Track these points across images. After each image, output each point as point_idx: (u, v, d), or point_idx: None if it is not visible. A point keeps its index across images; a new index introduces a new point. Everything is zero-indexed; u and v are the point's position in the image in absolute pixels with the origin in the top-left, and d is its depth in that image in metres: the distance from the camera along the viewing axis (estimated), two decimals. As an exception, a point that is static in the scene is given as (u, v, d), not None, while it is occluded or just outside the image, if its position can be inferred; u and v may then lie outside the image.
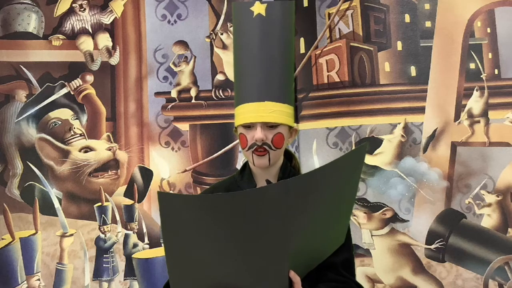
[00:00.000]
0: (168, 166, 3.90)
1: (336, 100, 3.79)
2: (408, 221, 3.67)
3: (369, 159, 3.66)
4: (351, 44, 3.81)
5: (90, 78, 3.92)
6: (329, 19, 3.85)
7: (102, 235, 3.83)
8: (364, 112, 3.74)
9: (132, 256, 3.79)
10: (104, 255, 3.82)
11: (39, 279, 3.76)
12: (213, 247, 1.42)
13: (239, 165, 3.57)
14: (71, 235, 3.81)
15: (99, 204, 3.85)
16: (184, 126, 3.94)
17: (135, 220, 3.86)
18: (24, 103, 3.88)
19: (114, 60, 3.95)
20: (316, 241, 1.58)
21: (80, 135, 3.90)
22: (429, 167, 3.67)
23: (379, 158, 3.71)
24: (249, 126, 1.75)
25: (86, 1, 3.96)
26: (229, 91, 3.87)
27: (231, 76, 3.78)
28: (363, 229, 3.68)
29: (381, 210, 3.67)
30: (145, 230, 3.85)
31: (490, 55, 3.70)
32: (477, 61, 3.69)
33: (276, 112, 1.74)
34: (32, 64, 3.91)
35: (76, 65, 3.94)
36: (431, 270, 3.65)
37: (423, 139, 3.69)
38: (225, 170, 3.83)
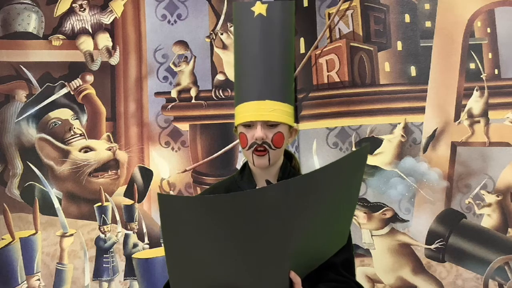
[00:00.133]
0: (168, 166, 3.90)
1: (336, 100, 3.79)
2: (408, 221, 3.67)
3: (369, 159, 3.65)
4: (351, 44, 3.81)
5: (90, 78, 3.92)
6: (329, 19, 3.85)
7: (102, 235, 3.83)
8: (364, 112, 3.74)
9: (132, 256, 3.79)
10: (104, 255, 3.82)
11: (39, 279, 3.76)
12: (213, 247, 1.42)
13: (239, 165, 3.57)
14: (71, 235, 3.81)
15: (99, 204, 3.85)
16: (184, 126, 3.94)
17: (135, 220, 3.86)
18: (24, 103, 3.88)
19: (114, 60, 3.95)
20: (317, 241, 1.58)
21: (80, 135, 3.90)
22: (429, 167, 3.67)
23: (379, 158, 3.71)
24: (249, 125, 1.75)
25: (86, 1, 3.96)
26: (229, 91, 3.87)
27: (231, 76, 3.78)
28: (363, 229, 3.68)
29: (381, 210, 3.67)
30: (145, 230, 3.85)
31: (490, 55, 3.70)
32: (477, 61, 3.69)
33: (277, 111, 1.74)
34: (32, 64, 3.91)
35: (76, 65, 3.94)
36: (431, 270, 3.65)
37: (423, 139, 3.69)
38: (225, 170, 3.83)
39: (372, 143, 3.70)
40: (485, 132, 3.64)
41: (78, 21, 3.96)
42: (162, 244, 3.41)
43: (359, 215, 3.66)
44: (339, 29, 3.85)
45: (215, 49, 3.93)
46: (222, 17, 3.92)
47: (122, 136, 3.92)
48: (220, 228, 1.39)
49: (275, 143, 1.74)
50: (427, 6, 3.77)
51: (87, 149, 3.88)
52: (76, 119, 3.92)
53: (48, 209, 3.80)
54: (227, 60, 3.88)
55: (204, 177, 3.90)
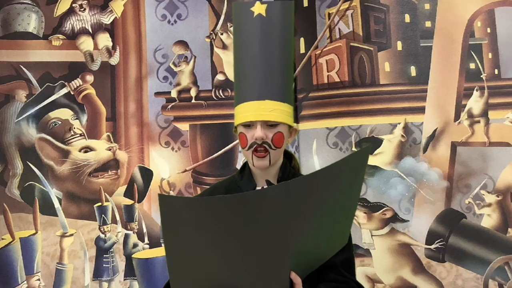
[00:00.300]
0: (168, 166, 3.90)
1: (336, 100, 3.79)
2: (408, 221, 3.67)
3: (369, 159, 3.65)
4: (351, 44, 3.81)
5: (90, 78, 3.92)
6: (329, 19, 3.85)
7: (102, 235, 3.83)
8: (364, 112, 3.74)
9: (132, 256, 3.79)
10: (104, 255, 3.82)
11: (39, 279, 3.76)
12: (214, 248, 1.42)
13: (239, 165, 3.57)
14: (71, 235, 3.81)
15: (99, 204, 3.85)
16: (184, 126, 3.94)
17: (135, 220, 3.86)
18: (24, 103, 3.88)
19: (114, 60, 3.95)
20: (318, 242, 1.58)
21: (80, 135, 3.90)
22: (429, 167, 3.67)
23: (379, 158, 3.71)
24: (249, 125, 1.75)
25: (86, 1, 3.96)
26: (229, 91, 3.87)
27: (231, 76, 3.78)
28: (363, 229, 3.68)
29: (381, 210, 3.67)
30: (145, 230, 3.85)
31: (490, 55, 3.70)
32: (477, 61, 3.69)
33: (276, 111, 1.74)
34: (32, 64, 3.91)
35: (76, 65, 3.94)
36: (431, 270, 3.65)
37: (423, 139, 3.69)
38: (225, 170, 3.83)
39: (372, 143, 3.70)
40: (485, 132, 3.64)
41: (78, 21, 3.96)
42: (162, 244, 3.39)
43: (359, 215, 3.66)
44: (339, 29, 3.85)
45: (215, 49, 3.93)
46: (222, 17, 3.92)
47: (122, 136, 3.92)
48: (220, 229, 1.39)
49: (275, 143, 1.74)
50: (427, 6, 3.77)
51: (87, 149, 3.88)
52: (76, 119, 3.92)
53: (48, 209, 3.80)
54: (227, 60, 3.88)
55: (204, 177, 3.90)
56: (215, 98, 3.91)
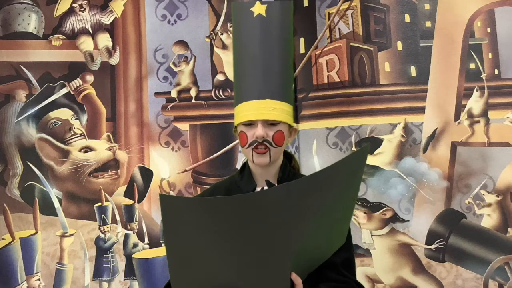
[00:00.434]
0: (168, 166, 3.90)
1: (336, 100, 3.79)
2: (408, 221, 3.67)
3: (369, 159, 3.65)
4: (351, 44, 3.81)
5: (90, 78, 3.92)
6: (329, 19, 3.85)
7: (102, 235, 3.83)
8: (364, 112, 3.74)
9: (132, 256, 3.79)
10: (104, 255, 3.82)
11: (39, 279, 3.76)
12: (215, 248, 1.42)
13: (239, 165, 3.57)
14: (71, 235, 3.81)
15: (99, 204, 3.85)
16: (184, 126, 3.94)
17: (135, 220, 3.86)
18: (24, 103, 3.88)
19: (114, 60, 3.95)
20: (318, 242, 1.58)
21: (80, 135, 3.90)
22: (429, 167, 3.67)
23: (379, 158, 3.71)
24: (249, 124, 1.75)
25: (86, 1, 3.96)
26: (229, 91, 3.87)
27: (231, 76, 3.77)
28: (363, 229, 3.68)
29: (381, 210, 3.67)
30: (145, 230, 3.85)
31: (490, 55, 3.70)
32: (477, 61, 3.69)
33: (277, 110, 1.75)
34: (32, 64, 3.91)
35: (76, 65, 3.94)
36: (431, 270, 3.65)
37: (423, 139, 3.69)
38: (225, 170, 3.83)
39: (372, 143, 3.70)
40: (485, 132, 3.64)
41: (78, 21, 3.96)
42: (162, 244, 3.39)
43: (359, 215, 3.66)
44: (339, 29, 3.85)
45: (215, 49, 3.93)
46: (222, 17, 3.93)
47: (122, 136, 3.92)
48: (221, 229, 1.39)
49: (276, 141, 1.75)
50: (427, 6, 3.77)
51: (87, 149, 3.88)
52: (76, 119, 3.92)
53: (48, 209, 3.80)
54: (227, 60, 3.88)
55: (204, 177, 3.90)
56: (215, 98, 3.91)
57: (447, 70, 3.71)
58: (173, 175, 3.89)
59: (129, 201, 3.87)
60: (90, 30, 3.97)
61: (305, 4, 3.89)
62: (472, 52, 3.69)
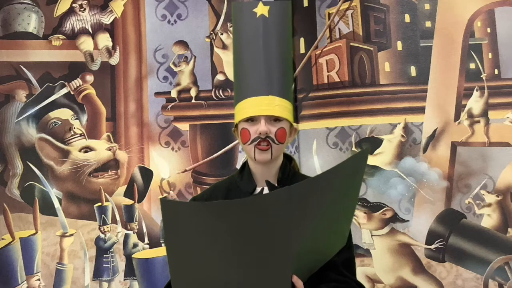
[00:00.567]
0: (168, 166, 3.90)
1: (336, 100, 3.79)
2: (408, 221, 3.67)
3: (369, 159, 3.65)
4: (351, 44, 3.81)
5: (90, 78, 3.92)
6: (329, 19, 3.85)
7: (102, 235, 3.83)
8: (364, 112, 3.74)
9: (132, 256, 3.79)
10: (104, 255, 3.82)
11: (39, 279, 3.76)
12: (216, 252, 1.42)
13: (239, 165, 3.57)
14: (71, 235, 3.81)
15: (99, 204, 3.85)
16: (184, 126, 3.94)
17: (135, 220, 3.86)
18: (24, 103, 3.88)
19: (114, 60, 3.95)
20: (319, 244, 1.58)
21: (80, 135, 3.90)
22: (429, 167, 3.67)
23: (379, 158, 3.71)
24: (252, 120, 1.75)
25: (86, 1, 3.96)
26: (229, 91, 3.87)
27: (231, 76, 3.77)
28: (363, 229, 3.68)
29: (381, 210, 3.67)
30: (145, 230, 3.85)
31: (490, 55, 3.70)
32: (477, 61, 3.69)
33: (280, 106, 1.75)
34: (32, 64, 3.91)
35: (76, 65, 3.94)
36: (431, 270, 3.65)
37: (423, 139, 3.69)
38: (225, 170, 3.83)
39: (372, 143, 3.70)
40: (485, 132, 3.64)
41: (78, 21, 3.96)
42: (163, 244, 3.39)
43: (359, 215, 3.66)
44: (339, 29, 3.85)
45: (215, 49, 3.93)
46: (222, 17, 3.93)
47: (122, 136, 3.92)
48: (222, 233, 1.39)
49: (279, 137, 1.75)
50: (427, 6, 3.77)
51: (87, 149, 3.88)
52: (76, 119, 3.92)
53: (48, 209, 3.80)
54: (227, 60, 3.88)
55: (204, 177, 3.90)
56: (215, 98, 3.91)
57: (447, 70, 3.71)
58: (173, 175, 3.89)
59: (129, 201, 3.87)
60: (90, 30, 3.97)
61: (305, 4, 3.89)
62: (472, 52, 3.69)
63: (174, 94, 3.92)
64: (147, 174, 3.89)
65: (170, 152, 3.92)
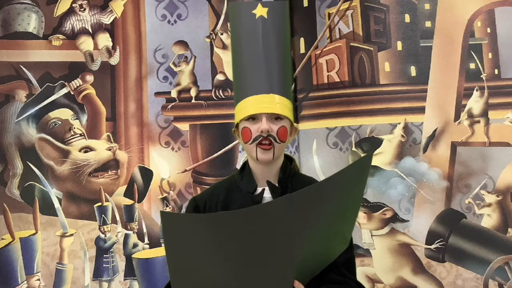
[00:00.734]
0: (168, 166, 3.90)
1: (336, 100, 3.79)
2: (408, 221, 3.67)
3: (369, 159, 3.65)
4: (351, 44, 3.81)
5: (90, 78, 3.92)
6: (329, 19, 3.85)
7: (102, 235, 3.83)
8: (364, 112, 3.74)
9: (132, 256, 3.79)
10: (104, 255, 3.82)
11: (39, 279, 3.76)
12: (217, 262, 1.42)
13: (239, 165, 3.57)
14: (71, 235, 3.81)
15: (99, 204, 3.85)
16: (184, 126, 3.94)
17: (135, 220, 3.86)
18: (24, 103, 3.88)
19: (114, 60, 3.95)
20: (321, 248, 1.58)
21: (80, 135, 3.90)
22: (429, 167, 3.67)
23: (379, 158, 3.71)
24: (253, 119, 1.75)
25: (86, 1, 3.96)
26: (229, 91, 3.87)
27: (231, 76, 3.76)
28: (363, 229, 3.68)
29: (381, 210, 3.67)
30: (145, 230, 3.85)
31: (490, 55, 3.70)
32: (477, 61, 3.69)
33: (281, 105, 1.75)
34: (32, 64, 3.91)
35: (76, 65, 3.94)
36: (431, 270, 3.65)
37: (423, 139, 3.69)
38: (225, 170, 3.83)
39: (372, 143, 3.70)
40: (485, 132, 3.64)
41: (78, 21, 3.96)
42: (163, 244, 3.37)
43: (359, 215, 3.66)
44: (339, 29, 3.85)
45: (215, 49, 3.93)
46: (222, 17, 3.93)
47: (122, 136, 3.92)
48: (224, 244, 1.39)
49: (280, 136, 1.75)
50: (427, 6, 3.77)
51: (87, 149, 3.88)
52: (76, 119, 3.92)
53: (48, 209, 3.80)
54: (227, 60, 3.88)
55: (204, 177, 3.90)
56: (215, 98, 3.91)
57: (447, 70, 3.71)
58: (173, 175, 3.89)
59: (129, 201, 3.87)
60: (90, 30, 3.97)
61: (305, 4, 3.89)
62: (472, 52, 3.69)
63: (174, 94, 3.92)
64: (147, 174, 3.89)
65: (170, 152, 3.92)
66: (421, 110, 3.70)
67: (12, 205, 3.78)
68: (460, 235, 3.62)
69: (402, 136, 3.70)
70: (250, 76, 1.78)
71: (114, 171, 3.88)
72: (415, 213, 3.67)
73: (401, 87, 3.75)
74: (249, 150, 1.77)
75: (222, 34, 3.91)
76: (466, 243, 3.61)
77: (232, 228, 1.37)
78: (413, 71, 3.75)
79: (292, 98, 1.82)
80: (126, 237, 3.84)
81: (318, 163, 3.74)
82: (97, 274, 3.81)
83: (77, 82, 3.91)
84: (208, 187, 2.03)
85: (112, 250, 3.83)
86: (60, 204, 3.82)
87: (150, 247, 3.84)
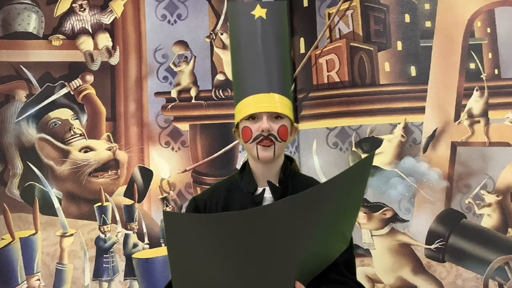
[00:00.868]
0: (168, 166, 3.90)
1: (336, 100, 3.79)
2: (408, 221, 3.67)
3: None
4: (351, 44, 3.81)
5: (90, 78, 3.92)
6: (329, 19, 3.85)
7: (102, 235, 3.83)
8: (364, 112, 3.74)
9: (132, 256, 3.79)
10: (104, 255, 3.82)
11: (39, 279, 3.76)
12: (219, 263, 1.42)
13: (239, 165, 3.57)
14: (71, 235, 3.81)
15: (99, 204, 3.85)
16: (184, 126, 3.94)
17: (135, 220, 3.86)
18: (24, 103, 3.88)
19: (114, 60, 3.95)
20: (322, 249, 1.58)
21: (80, 135, 3.90)
22: (429, 167, 3.67)
23: (379, 158, 3.71)
24: (253, 118, 1.75)
25: (86, 1, 3.96)
26: (229, 91, 3.87)
27: (231, 76, 3.77)
28: (363, 229, 3.68)
29: (381, 210, 3.67)
30: (145, 230, 3.85)
31: (490, 55, 3.70)
32: (477, 61, 3.69)
33: (281, 103, 1.75)
34: (32, 64, 3.91)
35: (76, 65, 3.94)
36: (431, 270, 3.65)
37: (423, 139, 3.69)
38: (225, 170, 3.83)
39: (372, 143, 3.70)
40: (485, 132, 3.64)
41: (78, 21, 3.96)
42: (163, 244, 3.38)
43: (359, 215, 3.66)
44: (339, 29, 3.85)
45: (215, 49, 3.93)
46: (222, 17, 3.93)
47: (122, 136, 3.92)
48: (226, 244, 1.39)
49: (281, 135, 1.75)
50: (427, 6, 3.77)
51: (87, 149, 3.88)
52: (76, 119, 3.92)
53: (48, 209, 3.80)
54: (227, 60, 3.88)
55: (204, 177, 3.90)
56: (215, 98, 3.91)
57: (447, 70, 3.71)
58: (173, 175, 3.89)
59: (129, 201, 3.87)
60: (90, 30, 3.97)
61: (305, 4, 3.89)
62: (472, 52, 3.69)
63: (174, 94, 3.92)
64: (147, 174, 3.89)
65: (170, 152, 3.92)
66: (421, 110, 3.70)
67: (12, 205, 3.78)
68: (460, 235, 3.62)
69: (402, 136, 3.70)
70: (249, 76, 1.78)
71: (114, 171, 3.88)
72: (415, 213, 3.67)
73: (401, 87, 3.75)
74: (250, 149, 1.77)
75: (222, 34, 3.91)
76: (466, 243, 3.61)
77: (234, 228, 1.37)
78: (413, 71, 3.75)
79: (292, 97, 1.82)
80: (126, 237, 3.84)
81: (318, 163, 3.74)
82: (97, 274, 3.81)
83: (77, 82, 3.91)
84: (208, 187, 2.03)
85: (112, 250, 3.83)
86: (60, 204, 3.82)
87: (150, 247, 3.84)
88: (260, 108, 1.74)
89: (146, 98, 3.94)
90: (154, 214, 3.87)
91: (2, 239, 3.74)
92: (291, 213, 1.39)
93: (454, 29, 3.72)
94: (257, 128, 1.73)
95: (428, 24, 3.76)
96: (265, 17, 1.80)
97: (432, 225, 3.64)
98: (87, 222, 3.85)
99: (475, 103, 3.67)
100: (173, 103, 3.92)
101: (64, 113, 3.92)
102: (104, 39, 3.97)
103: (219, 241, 1.39)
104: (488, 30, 3.71)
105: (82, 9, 3.95)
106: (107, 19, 3.98)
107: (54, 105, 3.90)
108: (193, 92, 3.92)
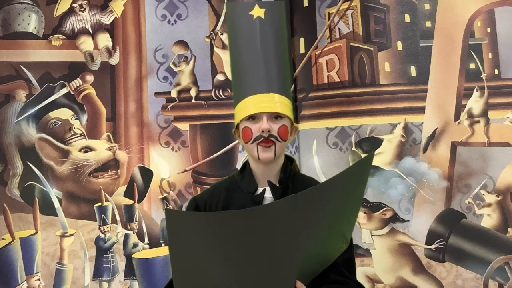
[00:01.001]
0: (168, 166, 3.90)
1: (336, 100, 3.79)
2: (408, 221, 3.67)
3: (369, 159, 3.64)
4: (351, 44, 3.81)
5: (90, 78, 3.92)
6: (329, 19, 3.85)
7: (102, 235, 3.83)
8: (364, 112, 3.74)
9: (132, 256, 3.79)
10: (104, 255, 3.82)
11: (39, 279, 3.76)
12: (220, 261, 1.42)
13: (239, 165, 3.57)
14: (71, 235, 3.81)
15: (99, 204, 3.85)
16: (184, 126, 3.94)
17: (135, 220, 3.86)
18: (24, 103, 3.88)
19: (114, 60, 3.95)
20: (322, 249, 1.58)
21: (80, 135, 3.90)
22: (429, 167, 3.67)
23: (379, 158, 3.71)
24: (253, 118, 1.75)
25: (86, 1, 3.96)
26: (229, 91, 3.87)
27: (231, 76, 3.77)
28: (363, 229, 3.68)
29: (381, 210, 3.67)
30: (145, 230, 3.85)
31: (490, 55, 3.70)
32: (477, 61, 3.69)
33: (281, 103, 1.75)
34: (32, 64, 3.91)
35: (76, 65, 3.94)
36: (431, 270, 3.65)
37: (423, 139, 3.69)
38: (225, 170, 3.83)
39: (372, 143, 3.70)
40: (485, 132, 3.64)
41: (78, 21, 3.96)
42: (163, 244, 3.38)
43: (359, 215, 3.66)
44: (339, 29, 3.85)
45: (215, 49, 3.93)
46: (222, 17, 3.92)
47: (122, 136, 3.92)
48: (227, 243, 1.39)
49: (281, 135, 1.74)
50: (427, 6, 3.77)
51: (87, 149, 3.88)
52: (76, 119, 3.92)
53: (48, 209, 3.80)
54: (227, 60, 3.87)
55: (204, 177, 3.90)
56: (215, 98, 3.91)
57: (447, 70, 3.71)
58: (173, 175, 3.89)
59: (129, 201, 3.87)
60: (90, 30, 3.97)
61: (305, 4, 3.89)
62: (472, 52, 3.70)
63: (174, 94, 3.92)
64: (147, 174, 3.89)
65: (170, 152, 3.92)
66: (421, 110, 3.70)
67: (12, 205, 3.78)
68: (460, 235, 3.62)
69: (402, 136, 3.70)
70: (249, 76, 1.78)
71: (114, 171, 3.88)
72: (415, 213, 3.67)
73: (401, 87, 3.75)
74: (250, 150, 1.77)
75: (222, 34, 3.91)
76: (466, 243, 3.61)
77: (235, 227, 1.37)
78: (413, 71, 3.75)
79: (291, 97, 1.82)
80: (126, 237, 3.84)
81: (318, 163, 3.74)
82: (97, 274, 3.81)
83: (77, 82, 3.91)
84: (208, 187, 2.03)
85: (112, 250, 3.83)
86: (60, 204, 3.82)
87: (150, 247, 3.84)
88: (260, 108, 1.73)
89: (146, 98, 3.95)
90: (154, 214, 3.87)
91: (2, 239, 3.73)
92: (291, 212, 1.39)
93: (454, 29, 3.72)
94: (257, 129, 1.73)
95: (428, 24, 3.76)
96: (263, 17, 1.79)
97: (432, 225, 3.64)
98: (87, 222, 3.85)
99: (475, 103, 3.67)
100: (173, 103, 3.92)
101: (64, 113, 3.92)
102: (104, 39, 3.97)
103: (220, 240, 1.39)
104: (488, 30, 3.71)
105: (82, 9, 3.95)
106: (107, 19, 3.98)
107: (54, 105, 3.90)
108: (193, 92, 3.92)
